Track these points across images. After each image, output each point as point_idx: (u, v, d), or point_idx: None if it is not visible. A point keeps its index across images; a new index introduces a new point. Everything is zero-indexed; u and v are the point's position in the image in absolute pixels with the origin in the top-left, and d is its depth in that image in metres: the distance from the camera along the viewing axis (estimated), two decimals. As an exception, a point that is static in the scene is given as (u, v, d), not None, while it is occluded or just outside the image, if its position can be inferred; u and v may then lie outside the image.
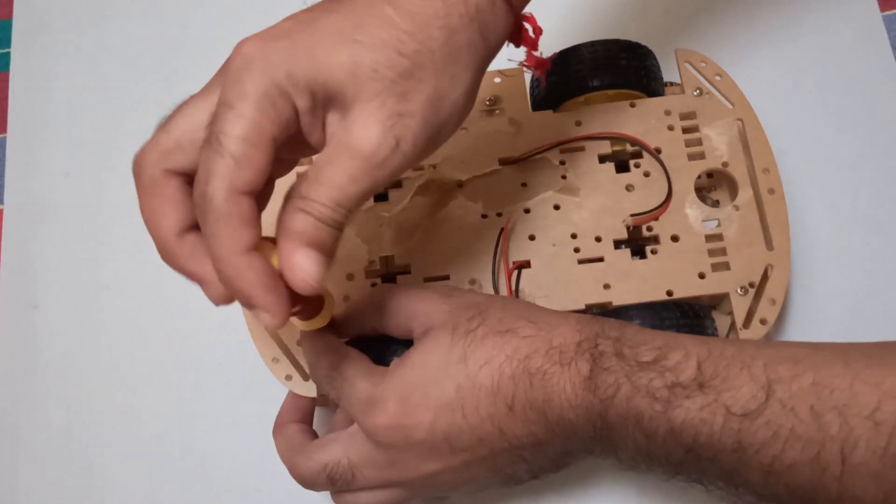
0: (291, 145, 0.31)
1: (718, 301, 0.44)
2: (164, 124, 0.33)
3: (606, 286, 0.43)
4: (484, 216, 0.45)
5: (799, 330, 0.47)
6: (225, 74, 0.31)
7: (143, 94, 0.56)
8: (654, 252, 0.44)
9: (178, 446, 0.47)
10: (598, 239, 0.44)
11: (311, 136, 0.32)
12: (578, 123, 0.46)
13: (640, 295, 0.43)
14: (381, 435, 0.35)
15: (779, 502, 0.31)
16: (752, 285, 0.43)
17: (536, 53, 0.39)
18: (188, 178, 0.32)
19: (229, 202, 0.29)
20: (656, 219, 0.44)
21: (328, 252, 0.30)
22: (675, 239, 0.44)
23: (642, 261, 0.44)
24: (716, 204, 0.46)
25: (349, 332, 0.40)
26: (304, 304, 0.35)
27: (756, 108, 0.46)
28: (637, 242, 0.44)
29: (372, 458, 0.36)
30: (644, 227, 0.44)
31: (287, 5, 0.57)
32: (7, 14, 0.59)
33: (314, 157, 0.33)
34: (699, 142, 0.46)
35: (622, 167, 0.46)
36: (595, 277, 0.43)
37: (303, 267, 0.30)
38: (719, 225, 0.44)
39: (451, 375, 0.35)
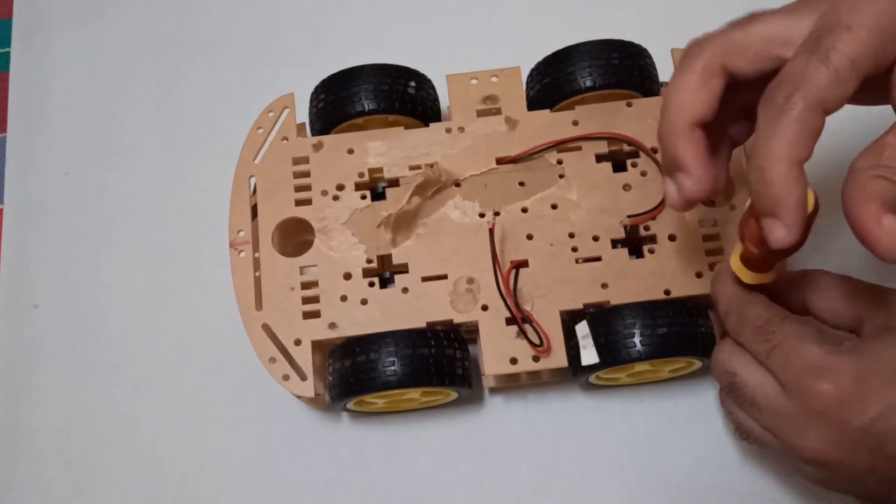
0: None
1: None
2: (739, 24, 0.34)
3: (604, 285, 0.43)
4: (481, 215, 0.45)
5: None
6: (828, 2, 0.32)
7: (143, 94, 0.56)
8: (651, 251, 0.44)
9: (178, 446, 0.48)
10: (595, 238, 0.44)
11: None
12: (575, 123, 0.46)
13: (637, 294, 0.43)
14: (819, 402, 0.34)
15: None
16: (749, 285, 0.43)
17: None
18: (730, 81, 0.35)
19: (809, 112, 0.31)
20: (654, 218, 0.44)
21: None
22: (672, 238, 0.44)
23: (640, 260, 0.44)
24: (710, 204, 0.46)
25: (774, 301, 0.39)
26: (774, 255, 0.35)
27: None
28: (634, 242, 0.44)
29: (779, 409, 0.36)
30: (641, 227, 0.44)
31: (287, 1, 0.58)
32: (7, 14, 0.59)
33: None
34: (697, 141, 0.46)
35: (619, 167, 0.46)
36: (593, 277, 0.43)
37: (891, 231, 0.31)
38: (716, 224, 0.44)
39: None
